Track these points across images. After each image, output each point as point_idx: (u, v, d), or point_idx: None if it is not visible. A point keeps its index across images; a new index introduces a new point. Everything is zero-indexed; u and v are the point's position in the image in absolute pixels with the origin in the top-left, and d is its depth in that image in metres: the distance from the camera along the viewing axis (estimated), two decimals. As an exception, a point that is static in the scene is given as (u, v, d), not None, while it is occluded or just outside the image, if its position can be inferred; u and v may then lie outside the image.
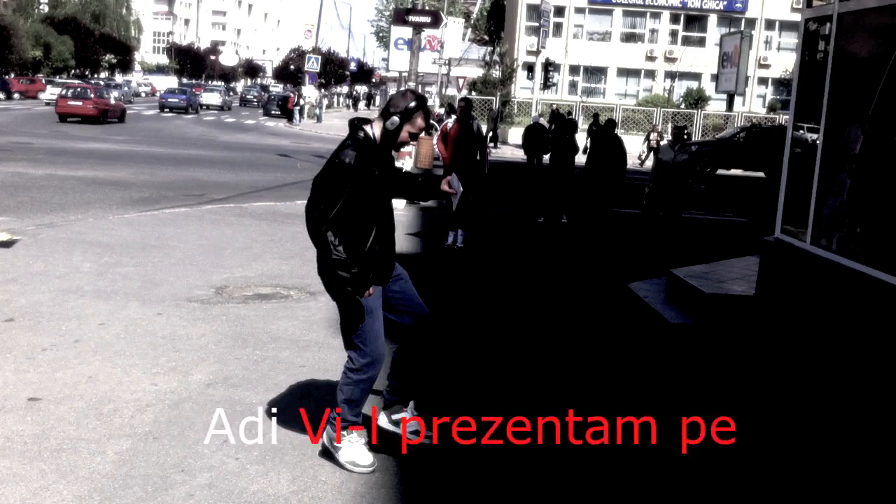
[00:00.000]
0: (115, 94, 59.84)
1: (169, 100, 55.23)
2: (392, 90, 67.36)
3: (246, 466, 4.71)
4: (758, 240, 10.00)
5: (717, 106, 47.71)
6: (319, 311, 8.12)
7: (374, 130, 4.65)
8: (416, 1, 18.04)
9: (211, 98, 64.81)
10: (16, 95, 58.55)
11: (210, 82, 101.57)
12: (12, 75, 65.93)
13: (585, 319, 8.84)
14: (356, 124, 4.66)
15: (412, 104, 4.61)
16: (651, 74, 54.37)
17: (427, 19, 17.76)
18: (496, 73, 48.19)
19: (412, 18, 17.75)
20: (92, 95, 38.94)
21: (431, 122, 24.41)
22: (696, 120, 41.77)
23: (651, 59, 53.99)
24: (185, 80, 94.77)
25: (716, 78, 45.78)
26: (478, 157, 12.22)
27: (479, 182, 12.35)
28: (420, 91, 21.77)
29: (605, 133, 16.76)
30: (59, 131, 30.70)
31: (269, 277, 9.39)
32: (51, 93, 54.32)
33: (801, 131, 9.27)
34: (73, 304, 7.73)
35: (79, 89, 41.11)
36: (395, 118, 4.58)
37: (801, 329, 8.10)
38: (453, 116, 12.96)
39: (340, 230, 4.52)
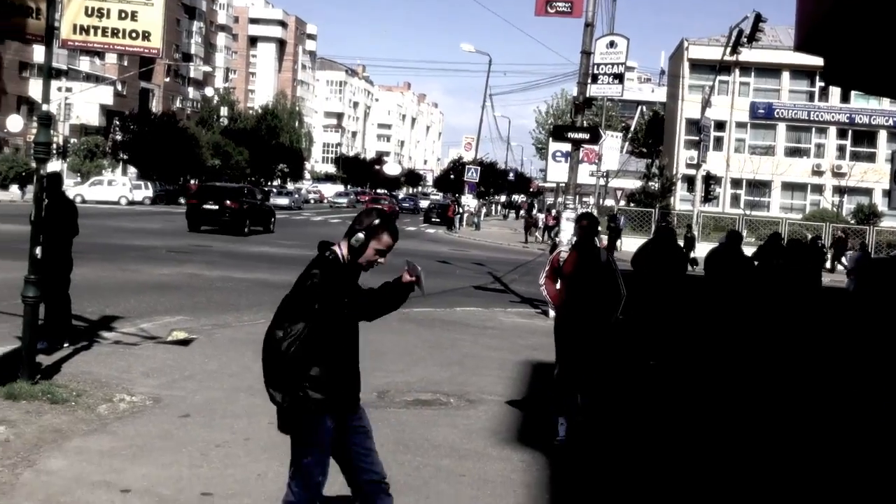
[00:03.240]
0: (287, 200, 64.24)
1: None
2: (549, 200, 68.04)
3: (408, 574, 4.72)
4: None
5: (889, 222, 45.79)
6: (479, 419, 8.15)
7: (342, 250, 4.55)
8: (575, 119, 18.20)
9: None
10: (195, 201, 62.30)
11: (374, 190, 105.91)
12: (194, 182, 70.28)
13: None
14: (323, 245, 4.59)
15: (376, 221, 4.50)
16: (818, 189, 52.90)
17: (586, 136, 17.89)
18: (655, 185, 48.00)
19: (571, 135, 17.92)
20: (385, 201, 67.35)
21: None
22: (868, 236, 40.16)
23: (818, 173, 52.61)
24: (349, 188, 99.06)
25: (888, 194, 44.04)
26: (609, 296, 7.80)
27: (608, 330, 7.98)
28: (579, 201, 21.52)
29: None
30: (234, 237, 32.35)
31: (430, 383, 9.50)
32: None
33: None
34: (245, 403, 8.03)
35: (378, 197, 71.34)
36: (360, 235, 4.48)
37: None
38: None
39: (306, 352, 4.39)
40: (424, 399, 8.80)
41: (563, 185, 26.52)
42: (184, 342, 10.60)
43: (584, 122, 18.87)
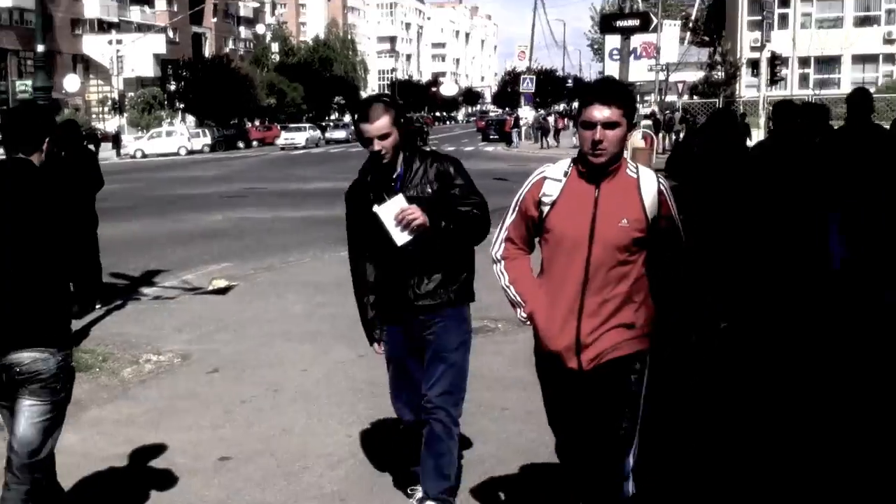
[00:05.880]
0: (344, 133, 62.36)
1: None
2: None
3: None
4: None
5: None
6: (526, 343, 7.54)
7: None
8: (624, 3, 17.24)
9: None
10: (254, 143, 62.25)
11: (431, 113, 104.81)
12: (251, 124, 70.20)
13: None
14: None
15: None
16: (891, 59, 50.12)
17: (636, 22, 16.99)
18: (719, 74, 46.08)
19: (620, 24, 17.03)
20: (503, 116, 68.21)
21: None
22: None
23: (889, 41, 49.80)
24: (407, 115, 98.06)
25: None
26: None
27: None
28: (639, 101, 20.19)
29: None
30: (289, 174, 32.09)
31: (476, 310, 8.86)
32: (285, 138, 57.48)
33: None
34: (279, 350, 7.62)
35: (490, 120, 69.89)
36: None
37: None
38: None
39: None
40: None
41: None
42: (223, 291, 10.24)
43: (634, 6, 17.91)
